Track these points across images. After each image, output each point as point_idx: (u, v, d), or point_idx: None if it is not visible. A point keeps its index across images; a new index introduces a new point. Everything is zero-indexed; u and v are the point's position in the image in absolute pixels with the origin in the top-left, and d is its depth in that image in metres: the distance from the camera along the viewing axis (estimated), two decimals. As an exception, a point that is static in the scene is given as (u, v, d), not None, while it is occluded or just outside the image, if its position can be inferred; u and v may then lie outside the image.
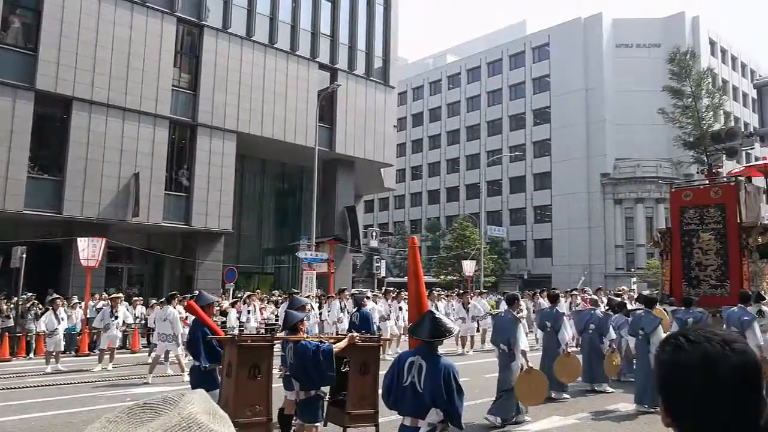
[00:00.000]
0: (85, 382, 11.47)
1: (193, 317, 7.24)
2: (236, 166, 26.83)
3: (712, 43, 55.09)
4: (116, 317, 13.83)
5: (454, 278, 42.96)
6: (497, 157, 54.85)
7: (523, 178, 56.33)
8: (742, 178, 13.51)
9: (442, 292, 21.96)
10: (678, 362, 1.14)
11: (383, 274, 38.25)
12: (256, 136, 27.00)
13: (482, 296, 19.47)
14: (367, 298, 16.68)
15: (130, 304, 17.55)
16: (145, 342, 17.18)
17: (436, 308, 16.51)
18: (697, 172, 15.45)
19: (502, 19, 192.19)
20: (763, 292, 10.39)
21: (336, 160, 30.56)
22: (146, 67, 23.77)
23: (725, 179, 12.56)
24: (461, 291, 21.80)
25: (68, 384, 11.26)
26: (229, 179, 26.18)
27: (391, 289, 19.50)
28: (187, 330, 12.99)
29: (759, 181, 14.04)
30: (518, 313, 8.49)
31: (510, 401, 7.89)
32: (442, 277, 45.28)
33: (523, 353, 7.85)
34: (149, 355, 13.82)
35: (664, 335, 9.15)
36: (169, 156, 24.76)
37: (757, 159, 14.56)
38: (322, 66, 30.06)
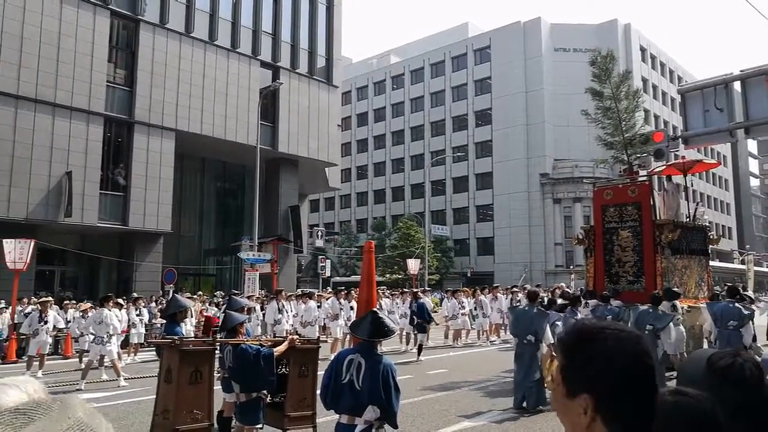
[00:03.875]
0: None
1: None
2: (175, 165, 26.14)
3: (643, 50, 57.65)
4: (46, 322, 13.24)
5: (400, 276, 43.29)
6: (441, 158, 55.60)
7: (465, 178, 57.31)
8: (657, 177, 14.20)
9: (387, 291, 22.14)
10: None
11: (328, 273, 38.17)
12: (195, 134, 26.39)
13: (425, 294, 19.68)
14: (310, 297, 16.70)
15: (61, 308, 16.82)
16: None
17: (380, 306, 16.63)
18: (620, 173, 16.15)
19: (444, 20, 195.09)
20: (675, 287, 10.93)
21: (279, 159, 30.23)
22: (78, 61, 22.82)
23: (642, 178, 13.08)
24: (413, 289, 21.97)
25: (-7, 394, 10.68)
26: (168, 178, 25.48)
27: (342, 288, 19.48)
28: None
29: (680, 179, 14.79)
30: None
31: (541, 390, 8.42)
32: (387, 275, 45.55)
33: (550, 344, 8.50)
34: (80, 361, 13.32)
35: (674, 332, 9.52)
36: (104, 154, 23.88)
37: (676, 158, 15.30)
38: (263, 64, 29.67)
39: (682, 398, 1.37)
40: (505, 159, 53.74)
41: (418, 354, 14.55)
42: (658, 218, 11.83)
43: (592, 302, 11.03)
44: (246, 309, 8.92)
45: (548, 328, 8.72)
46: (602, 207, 12.10)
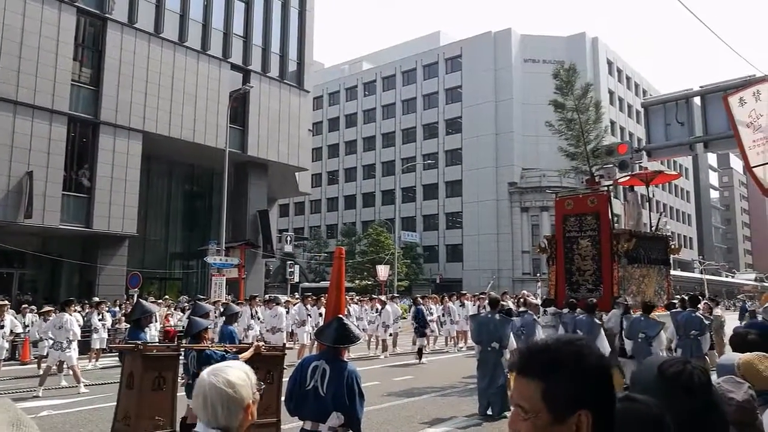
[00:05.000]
0: (-35, 398, 10.55)
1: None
2: (142, 167, 25.66)
3: (609, 63, 59.06)
4: (2, 326, 12.81)
5: (369, 283, 43.27)
6: (411, 165, 55.91)
7: (435, 185, 57.73)
8: (622, 187, 14.51)
9: (356, 297, 22.14)
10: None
11: (297, 279, 37.90)
12: (163, 136, 25.97)
13: (393, 300, 19.70)
14: (277, 303, 16.58)
15: (18, 312, 16.32)
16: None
17: (349, 312, 16.63)
18: (582, 183, 16.53)
19: (416, 29, 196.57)
20: (632, 295, 11.19)
21: (248, 162, 29.97)
22: (41, 59, 22.26)
23: (603, 188, 13.33)
24: (385, 296, 22.02)
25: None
26: (134, 180, 25.01)
27: (309, 294, 19.43)
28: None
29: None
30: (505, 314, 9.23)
31: (506, 396, 8.34)
32: (357, 281, 45.48)
33: (513, 351, 8.51)
34: (38, 366, 12.96)
35: (666, 339, 9.65)
36: (68, 155, 23.31)
37: (640, 169, 15.71)
38: (234, 67, 29.41)
39: (631, 404, 1.41)
40: (474, 167, 54.33)
41: (419, 357, 15.30)
42: (615, 228, 12.10)
43: (551, 310, 11.18)
44: (236, 314, 8.83)
45: (512, 335, 8.81)
46: (563, 216, 12.31)
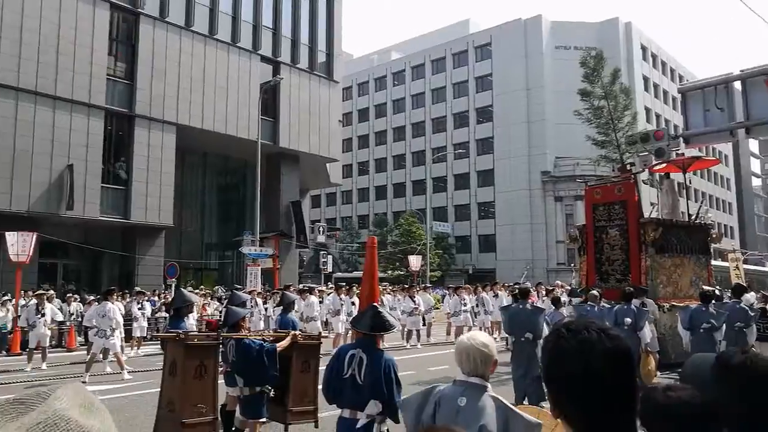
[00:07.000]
0: (17, 383, 10.97)
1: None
2: (176, 159, 26.17)
3: (644, 48, 57.51)
4: (43, 314, 13.29)
5: (401, 273, 43.32)
6: (442, 154, 55.54)
7: (467, 175, 57.27)
8: (659, 175, 14.12)
9: (389, 287, 22.23)
10: (559, 350, 1.21)
11: (330, 269, 38.23)
12: (196, 128, 26.41)
13: (426, 291, 19.69)
14: (310, 292, 16.75)
15: (63, 301, 16.87)
16: (83, 340, 16.57)
17: (382, 302, 16.72)
18: (614, 171, 16.20)
19: (446, 17, 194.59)
20: (662, 286, 10.91)
21: (280, 154, 30.25)
22: (78, 54, 22.82)
23: (631, 177, 13.01)
24: (410, 285, 22.04)
25: (-3, 385, 10.76)
26: (169, 172, 25.52)
27: (343, 284, 19.54)
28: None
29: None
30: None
31: (541, 385, 8.17)
32: (389, 272, 45.59)
33: None
34: (88, 353, 13.39)
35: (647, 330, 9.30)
36: (105, 148, 23.90)
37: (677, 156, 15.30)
38: (264, 59, 29.66)
39: (673, 394, 1.40)
40: (506, 156, 53.69)
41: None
42: (644, 216, 11.85)
43: (576, 300, 11.03)
44: (293, 302, 8.95)
45: (545, 326, 8.70)
46: (593, 206, 12.10)
